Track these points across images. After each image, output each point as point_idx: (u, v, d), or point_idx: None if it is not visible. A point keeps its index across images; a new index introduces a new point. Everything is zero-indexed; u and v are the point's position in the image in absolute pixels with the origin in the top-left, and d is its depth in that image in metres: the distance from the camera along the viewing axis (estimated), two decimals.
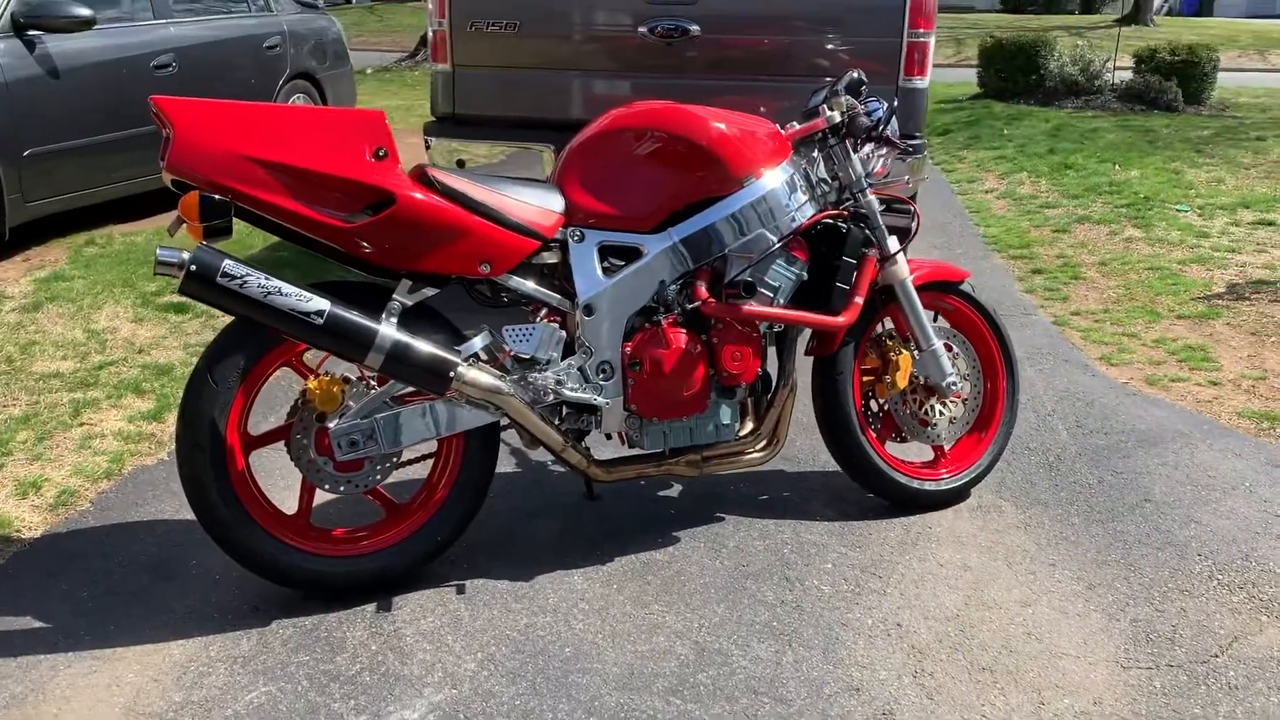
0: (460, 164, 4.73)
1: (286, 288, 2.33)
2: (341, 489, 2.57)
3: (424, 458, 2.75)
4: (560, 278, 2.69)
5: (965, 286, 3.14)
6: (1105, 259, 5.98)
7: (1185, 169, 8.44)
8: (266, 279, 2.31)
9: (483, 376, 2.51)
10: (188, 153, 2.29)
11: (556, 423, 2.68)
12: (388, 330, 2.41)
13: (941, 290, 3.10)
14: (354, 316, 2.38)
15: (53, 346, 4.13)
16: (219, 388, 2.46)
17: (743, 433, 2.90)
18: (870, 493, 3.09)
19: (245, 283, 2.29)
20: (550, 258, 2.65)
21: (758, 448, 2.90)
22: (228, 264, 2.28)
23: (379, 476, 2.59)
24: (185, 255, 2.27)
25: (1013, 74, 13.04)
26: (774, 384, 2.90)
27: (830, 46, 4.46)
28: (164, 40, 6.17)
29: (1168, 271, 5.68)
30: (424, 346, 2.44)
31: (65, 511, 3.02)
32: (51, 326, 4.35)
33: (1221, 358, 4.40)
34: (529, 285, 2.63)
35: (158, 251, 2.27)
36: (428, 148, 4.81)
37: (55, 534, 2.91)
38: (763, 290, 2.72)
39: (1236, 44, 21.60)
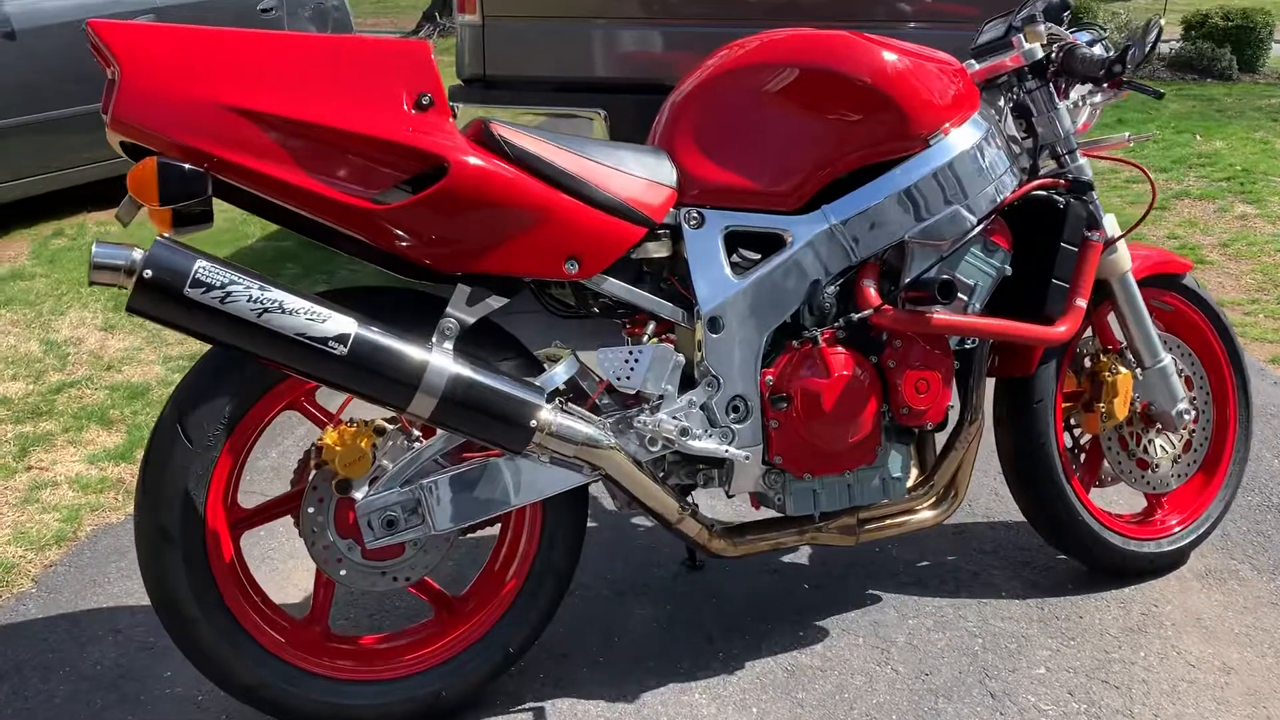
0: None
1: (291, 300, 1.56)
2: (375, 586, 1.81)
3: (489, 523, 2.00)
4: (671, 278, 1.93)
5: (1188, 280, 2.37)
6: (1225, 240, 5.20)
7: (1273, 139, 7.66)
8: (261, 288, 1.54)
9: (577, 425, 1.74)
10: (142, 100, 1.53)
11: (662, 477, 1.93)
12: (441, 362, 1.64)
13: (1160, 285, 2.33)
14: (392, 343, 1.62)
15: (1, 363, 3.36)
16: (194, 446, 1.70)
17: (909, 485, 2.14)
18: (1066, 554, 2.33)
19: (229, 295, 1.52)
20: (658, 250, 1.89)
21: (928, 504, 2.13)
22: (201, 266, 1.51)
23: (425, 566, 1.83)
24: (135, 254, 1.50)
25: None
26: (954, 420, 2.14)
27: None
28: None
29: None
30: (493, 384, 1.67)
31: None
32: (1, 338, 3.58)
33: None
34: (631, 290, 1.86)
35: (94, 250, 1.50)
36: (453, 116, 4.03)
37: None
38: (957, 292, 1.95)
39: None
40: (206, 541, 1.72)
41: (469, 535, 1.94)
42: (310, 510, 1.76)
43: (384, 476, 1.74)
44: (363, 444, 1.72)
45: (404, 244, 1.68)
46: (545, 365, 1.87)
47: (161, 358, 3.49)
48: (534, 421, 1.68)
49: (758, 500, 2.02)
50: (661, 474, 1.93)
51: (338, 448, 1.70)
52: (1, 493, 2.63)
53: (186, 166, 1.54)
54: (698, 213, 1.88)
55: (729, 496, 2.02)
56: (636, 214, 1.81)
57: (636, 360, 1.83)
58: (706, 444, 1.86)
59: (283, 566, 2.31)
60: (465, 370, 1.65)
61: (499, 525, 1.95)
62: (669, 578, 2.34)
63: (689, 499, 1.95)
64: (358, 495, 1.73)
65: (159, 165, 1.53)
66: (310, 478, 1.76)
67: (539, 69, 3.94)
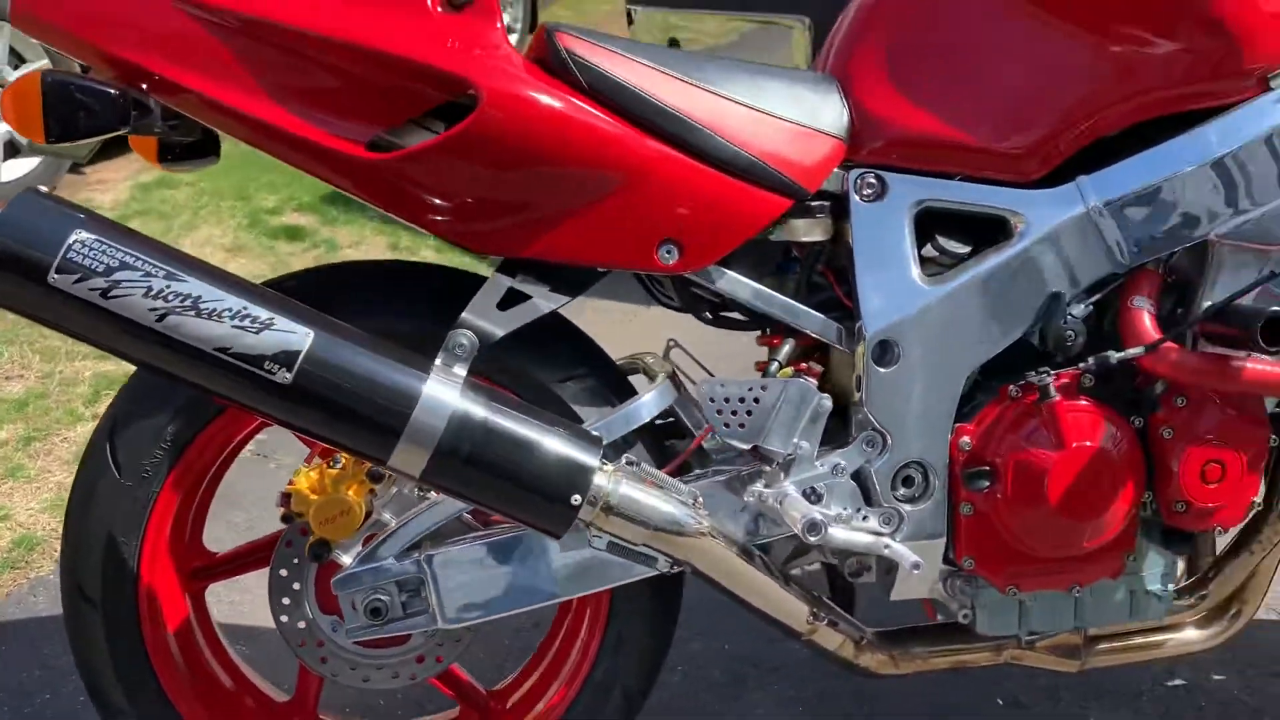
0: (673, 44, 3.33)
1: (215, 295, 1.02)
2: (368, 682, 1.31)
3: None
4: (827, 272, 1.29)
5: None
6: None
7: None
8: (170, 275, 1.01)
9: (649, 500, 1.14)
10: None
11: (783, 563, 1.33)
12: (440, 395, 1.07)
13: None
14: (366, 366, 1.06)
15: None
16: (124, 477, 1.22)
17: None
18: None
19: (118, 286, 1.00)
20: (810, 230, 1.25)
21: (1196, 619, 1.43)
22: (79, 242, 0.99)
23: (438, 660, 1.31)
24: None
25: None
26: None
27: None
28: None
29: None
30: (517, 431, 1.09)
31: (11, 580, 1.93)
32: None
33: None
34: (759, 291, 1.24)
35: None
36: (630, 21, 3.44)
37: None
38: None
39: None
40: (139, 604, 1.26)
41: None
42: (282, 573, 1.27)
43: (381, 537, 1.22)
44: (349, 493, 1.19)
45: (417, 212, 1.13)
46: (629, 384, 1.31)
47: None
48: (576, 497, 1.10)
49: (933, 609, 1.39)
50: (784, 559, 1.33)
51: (312, 497, 1.19)
52: (59, 444, 2.31)
53: (83, 84, 1.04)
54: (876, 177, 1.23)
55: (889, 599, 1.38)
56: (774, 177, 1.18)
57: (756, 400, 1.22)
58: (853, 534, 1.22)
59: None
60: (476, 409, 1.08)
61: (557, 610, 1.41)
62: (808, 655, 1.73)
63: (823, 596, 1.34)
64: (343, 559, 1.22)
65: (44, 84, 1.04)
66: (284, 531, 1.26)
67: None
